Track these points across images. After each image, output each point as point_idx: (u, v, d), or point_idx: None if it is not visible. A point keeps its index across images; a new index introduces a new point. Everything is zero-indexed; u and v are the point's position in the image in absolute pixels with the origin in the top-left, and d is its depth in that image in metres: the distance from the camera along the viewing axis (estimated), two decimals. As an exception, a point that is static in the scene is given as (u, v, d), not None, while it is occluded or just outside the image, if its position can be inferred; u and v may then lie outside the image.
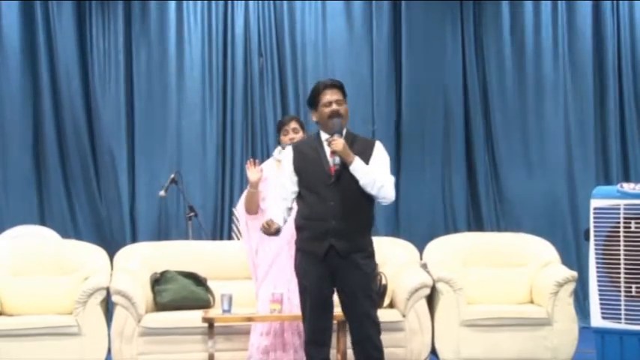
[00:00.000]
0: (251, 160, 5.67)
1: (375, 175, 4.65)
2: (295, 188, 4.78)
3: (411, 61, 8.08)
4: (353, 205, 4.65)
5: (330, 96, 4.74)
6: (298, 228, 4.79)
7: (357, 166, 4.64)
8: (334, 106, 4.72)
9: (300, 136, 5.59)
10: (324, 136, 4.75)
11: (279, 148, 5.68)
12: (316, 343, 4.76)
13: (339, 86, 4.80)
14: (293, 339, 5.52)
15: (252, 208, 5.60)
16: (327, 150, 4.70)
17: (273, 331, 5.49)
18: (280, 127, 5.63)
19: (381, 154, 4.79)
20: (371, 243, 4.80)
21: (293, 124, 5.59)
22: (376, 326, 4.72)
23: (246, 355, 5.58)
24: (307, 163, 4.75)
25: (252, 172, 5.56)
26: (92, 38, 7.83)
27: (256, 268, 5.62)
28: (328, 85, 4.79)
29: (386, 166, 4.78)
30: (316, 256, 4.67)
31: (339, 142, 4.62)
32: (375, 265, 4.88)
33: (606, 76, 8.21)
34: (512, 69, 8.19)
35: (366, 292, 4.70)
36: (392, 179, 4.75)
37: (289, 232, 5.48)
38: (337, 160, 4.64)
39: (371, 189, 4.65)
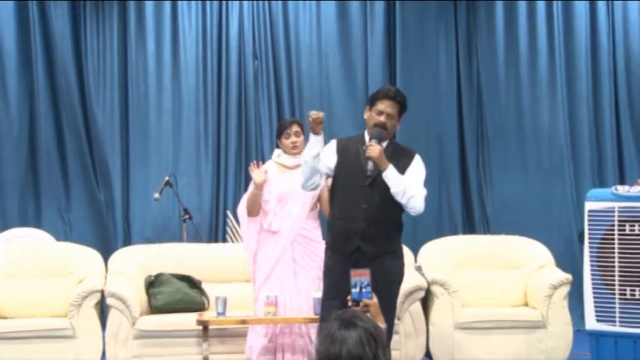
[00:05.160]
0: (254, 162, 5.67)
1: (407, 185, 4.69)
2: (332, 162, 4.79)
3: (404, 64, 8.06)
4: (384, 210, 4.70)
5: (384, 107, 4.75)
6: (328, 227, 4.85)
7: (389, 174, 4.67)
8: (382, 119, 4.73)
9: (302, 139, 5.57)
10: (367, 138, 4.79)
11: (278, 150, 5.67)
12: None
13: (398, 101, 4.77)
14: (297, 340, 5.50)
15: (255, 210, 5.57)
16: None
17: (272, 333, 5.48)
18: (282, 130, 5.60)
19: (417, 166, 4.84)
20: (400, 247, 4.85)
21: (295, 128, 5.57)
22: (388, 331, 4.66)
23: (242, 358, 5.57)
24: (347, 159, 4.79)
25: (257, 174, 5.53)
26: (87, 39, 7.80)
27: (257, 270, 5.61)
28: (389, 95, 4.76)
29: (420, 178, 4.82)
30: (343, 255, 4.71)
31: (376, 149, 4.65)
32: (402, 269, 4.87)
33: (601, 77, 8.16)
34: (506, 71, 8.14)
35: (388, 295, 4.66)
36: (424, 192, 4.79)
37: (293, 234, 5.47)
38: (370, 165, 4.68)
39: (401, 198, 4.69)
